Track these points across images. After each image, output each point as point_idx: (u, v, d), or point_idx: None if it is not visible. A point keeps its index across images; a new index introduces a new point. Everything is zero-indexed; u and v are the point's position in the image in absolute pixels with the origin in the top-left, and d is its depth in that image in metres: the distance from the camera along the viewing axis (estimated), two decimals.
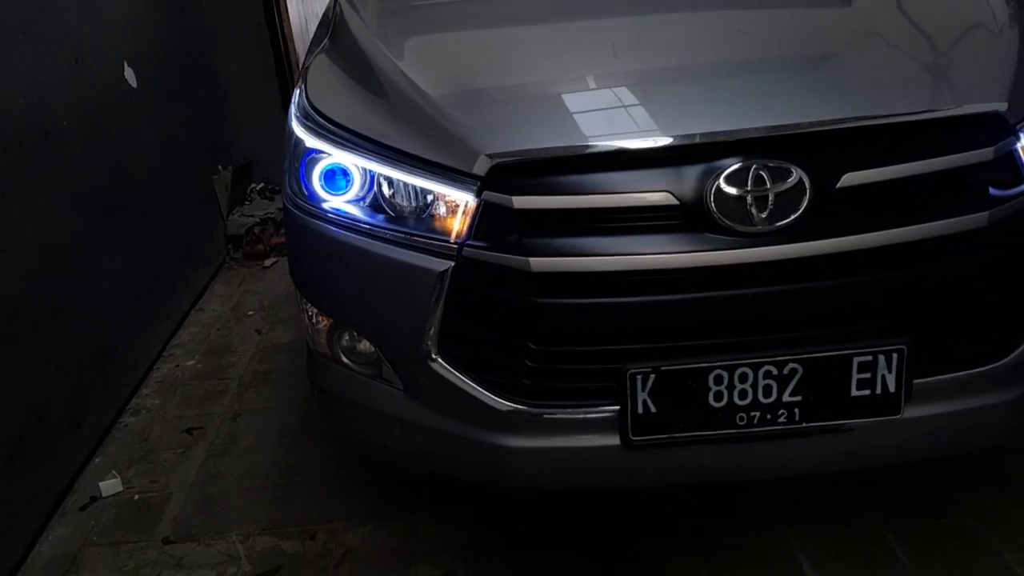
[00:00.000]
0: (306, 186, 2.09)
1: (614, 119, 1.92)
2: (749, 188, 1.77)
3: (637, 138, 1.83)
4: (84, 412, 2.98)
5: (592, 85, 2.09)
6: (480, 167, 1.85)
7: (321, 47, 2.50)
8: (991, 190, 1.84)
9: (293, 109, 2.22)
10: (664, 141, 1.82)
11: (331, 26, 2.60)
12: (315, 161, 2.07)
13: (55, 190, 2.92)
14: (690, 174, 1.80)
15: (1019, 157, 1.86)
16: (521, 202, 1.84)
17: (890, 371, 1.83)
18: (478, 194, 1.86)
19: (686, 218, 1.81)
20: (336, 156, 2.04)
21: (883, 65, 2.08)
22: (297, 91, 2.30)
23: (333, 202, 2.05)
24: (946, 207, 1.82)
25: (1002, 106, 1.85)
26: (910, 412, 1.88)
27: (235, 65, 4.80)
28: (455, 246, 1.89)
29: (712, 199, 1.78)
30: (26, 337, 2.69)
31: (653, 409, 1.85)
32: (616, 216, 1.83)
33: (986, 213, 1.82)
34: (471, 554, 2.44)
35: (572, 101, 2.01)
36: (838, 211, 1.81)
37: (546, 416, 1.93)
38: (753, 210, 1.78)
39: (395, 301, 1.98)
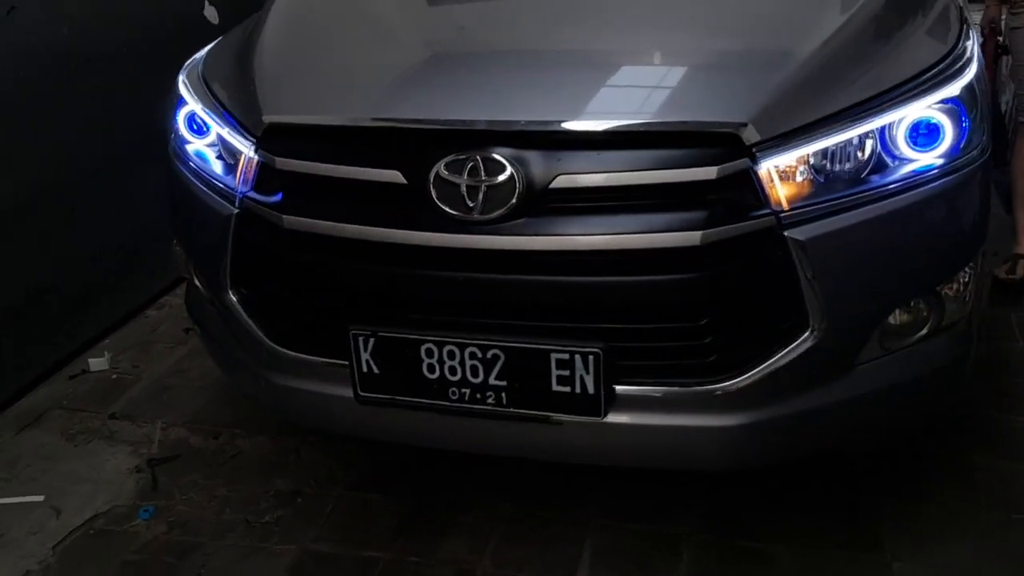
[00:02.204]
0: (175, 127, 2.38)
1: (376, 98, 2.06)
2: (464, 178, 1.85)
3: (377, 117, 1.97)
4: (93, 300, 3.48)
5: (382, 67, 2.22)
6: (258, 127, 2.06)
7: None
8: (718, 210, 1.80)
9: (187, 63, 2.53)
10: (397, 124, 1.94)
11: None
12: (180, 107, 2.37)
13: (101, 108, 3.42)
14: (419, 157, 1.90)
15: (756, 179, 1.80)
16: (283, 163, 2.03)
17: (588, 372, 1.86)
18: (256, 151, 2.07)
19: (412, 198, 1.92)
20: (191, 105, 2.33)
21: (637, 73, 2.04)
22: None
23: (195, 144, 2.34)
24: (661, 221, 1.81)
25: (737, 126, 1.79)
26: (616, 417, 1.90)
27: None
28: (239, 196, 2.12)
29: (432, 184, 1.88)
30: (40, 230, 3.22)
31: (376, 370, 2.00)
32: (356, 187, 1.98)
33: (699, 233, 1.78)
34: (323, 478, 2.69)
35: (355, 79, 2.17)
36: (549, 211, 1.85)
37: (302, 360, 2.12)
38: (466, 199, 1.86)
39: (207, 238, 2.24)
